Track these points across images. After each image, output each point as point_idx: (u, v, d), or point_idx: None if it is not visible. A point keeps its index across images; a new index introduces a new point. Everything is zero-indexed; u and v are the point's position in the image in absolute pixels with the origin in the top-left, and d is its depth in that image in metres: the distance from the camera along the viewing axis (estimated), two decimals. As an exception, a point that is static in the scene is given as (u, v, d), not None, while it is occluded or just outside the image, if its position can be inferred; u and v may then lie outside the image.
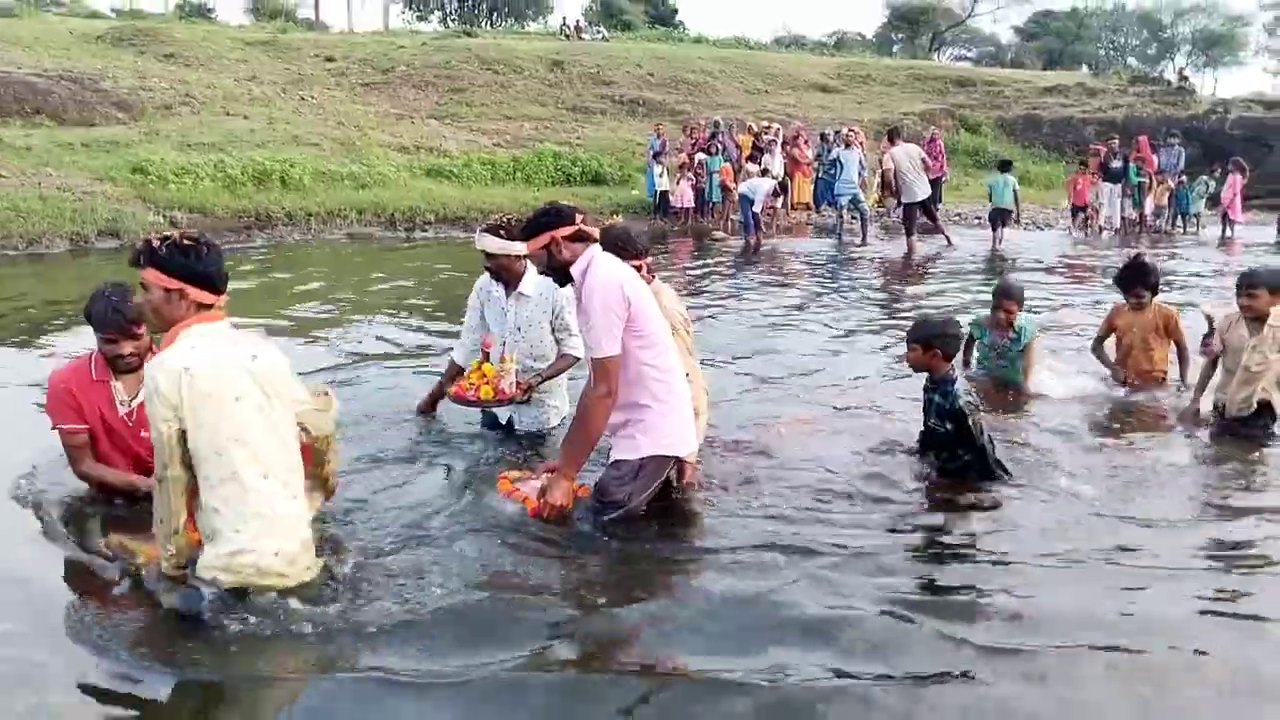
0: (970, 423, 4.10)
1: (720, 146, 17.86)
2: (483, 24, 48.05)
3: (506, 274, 4.64)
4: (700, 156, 17.48)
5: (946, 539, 3.80)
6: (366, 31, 40.13)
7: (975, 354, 6.09)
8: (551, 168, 19.87)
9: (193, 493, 2.92)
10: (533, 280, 4.62)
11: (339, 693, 2.74)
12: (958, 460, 4.24)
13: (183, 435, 2.84)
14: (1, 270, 11.34)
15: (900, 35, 54.74)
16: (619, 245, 3.98)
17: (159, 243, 2.93)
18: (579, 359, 4.56)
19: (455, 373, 4.84)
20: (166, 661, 2.81)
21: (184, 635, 2.90)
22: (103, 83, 18.96)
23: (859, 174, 16.04)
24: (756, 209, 14.64)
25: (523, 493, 3.72)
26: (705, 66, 28.55)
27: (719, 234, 15.73)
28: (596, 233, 3.72)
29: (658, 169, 17.69)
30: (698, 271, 12.27)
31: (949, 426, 4.18)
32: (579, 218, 3.64)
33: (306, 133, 19.24)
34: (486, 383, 4.52)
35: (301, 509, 3.10)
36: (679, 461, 3.78)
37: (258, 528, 2.91)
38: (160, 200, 14.38)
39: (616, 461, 3.71)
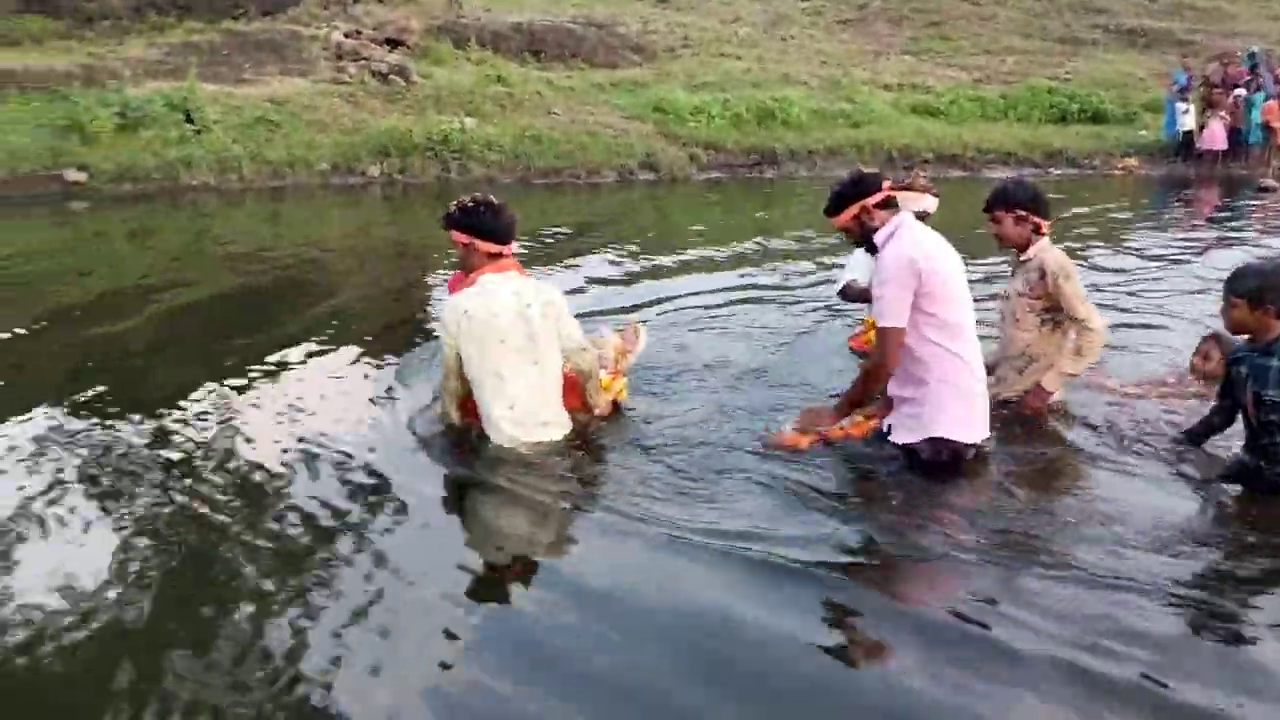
0: None
1: (1260, 81, 15.67)
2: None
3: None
4: (1239, 93, 15.46)
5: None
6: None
7: None
8: (1045, 104, 18.71)
9: (464, 397, 3.78)
10: None
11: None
12: None
13: (459, 357, 3.63)
14: (563, 197, 13.05)
15: None
16: (1027, 204, 3.97)
17: (454, 207, 3.65)
18: None
19: (857, 291, 4.80)
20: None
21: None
22: (618, 28, 20.84)
23: None
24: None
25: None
26: (1220, -12, 25.05)
27: (1269, 182, 13.86)
28: (907, 198, 3.67)
29: (1182, 107, 15.94)
30: (1223, 221, 10.98)
31: None
32: (885, 184, 3.61)
33: (794, 71, 19.78)
34: None
35: (546, 434, 3.71)
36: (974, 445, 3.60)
37: (502, 443, 3.66)
38: (681, 136, 15.60)
39: (906, 447, 3.61)
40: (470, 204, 3.64)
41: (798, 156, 15.66)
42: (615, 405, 4.15)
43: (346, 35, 16.30)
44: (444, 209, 3.73)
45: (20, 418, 4.27)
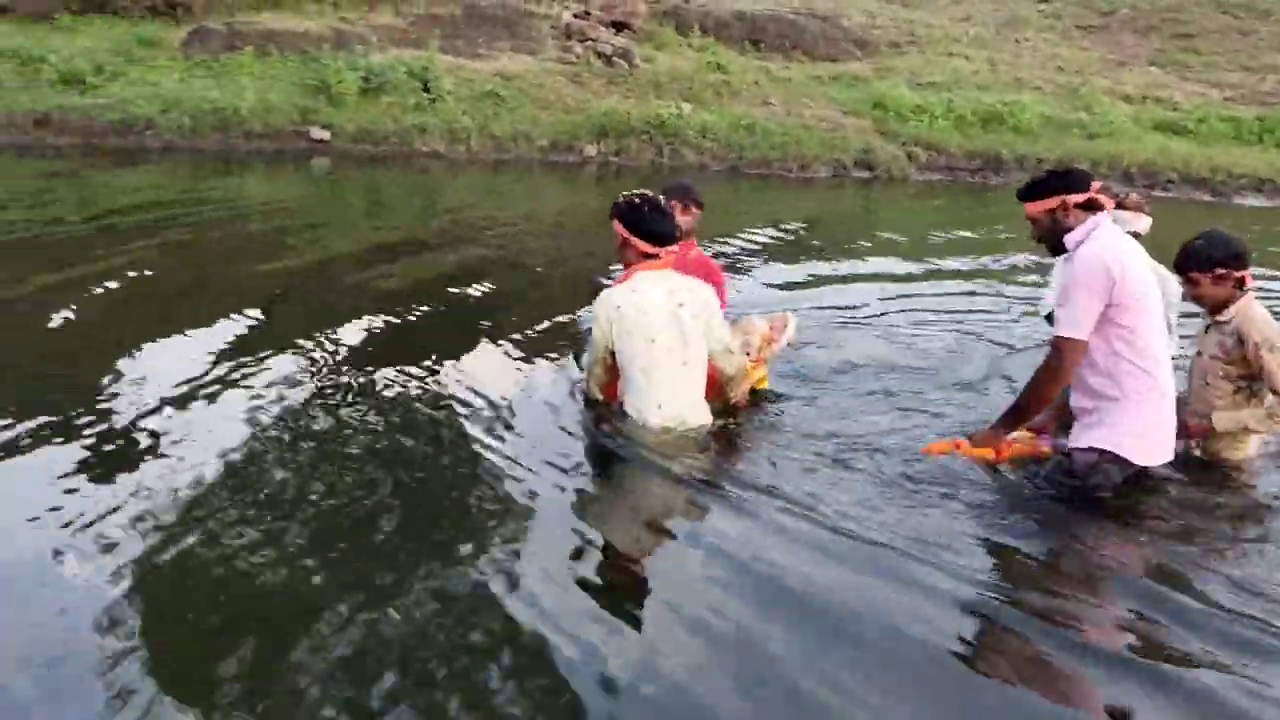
0: None
1: None
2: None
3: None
4: None
5: None
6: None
7: None
8: (1309, 130, 16.95)
9: (606, 383, 3.88)
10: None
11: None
12: None
13: (609, 349, 3.68)
14: (775, 190, 12.85)
15: None
16: (1228, 261, 3.48)
17: (622, 199, 3.66)
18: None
19: None
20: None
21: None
22: (841, 20, 20.38)
23: None
24: None
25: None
26: None
27: None
28: (1111, 204, 3.32)
29: None
30: None
31: None
32: (1094, 185, 3.25)
33: (1027, 76, 18.78)
34: None
35: (687, 427, 3.70)
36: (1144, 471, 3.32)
37: (644, 434, 3.67)
38: (900, 135, 15.09)
39: (1071, 452, 3.36)
40: (638, 200, 3.63)
41: (1025, 164, 14.82)
42: (753, 393, 4.16)
43: (576, 16, 16.68)
44: (612, 198, 3.79)
45: (197, 338, 4.79)
